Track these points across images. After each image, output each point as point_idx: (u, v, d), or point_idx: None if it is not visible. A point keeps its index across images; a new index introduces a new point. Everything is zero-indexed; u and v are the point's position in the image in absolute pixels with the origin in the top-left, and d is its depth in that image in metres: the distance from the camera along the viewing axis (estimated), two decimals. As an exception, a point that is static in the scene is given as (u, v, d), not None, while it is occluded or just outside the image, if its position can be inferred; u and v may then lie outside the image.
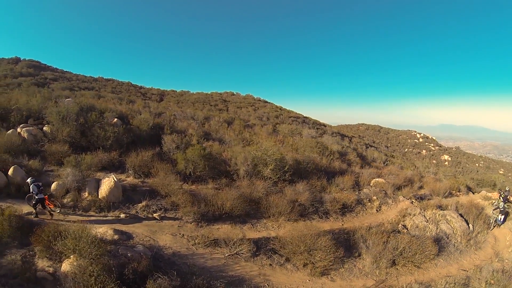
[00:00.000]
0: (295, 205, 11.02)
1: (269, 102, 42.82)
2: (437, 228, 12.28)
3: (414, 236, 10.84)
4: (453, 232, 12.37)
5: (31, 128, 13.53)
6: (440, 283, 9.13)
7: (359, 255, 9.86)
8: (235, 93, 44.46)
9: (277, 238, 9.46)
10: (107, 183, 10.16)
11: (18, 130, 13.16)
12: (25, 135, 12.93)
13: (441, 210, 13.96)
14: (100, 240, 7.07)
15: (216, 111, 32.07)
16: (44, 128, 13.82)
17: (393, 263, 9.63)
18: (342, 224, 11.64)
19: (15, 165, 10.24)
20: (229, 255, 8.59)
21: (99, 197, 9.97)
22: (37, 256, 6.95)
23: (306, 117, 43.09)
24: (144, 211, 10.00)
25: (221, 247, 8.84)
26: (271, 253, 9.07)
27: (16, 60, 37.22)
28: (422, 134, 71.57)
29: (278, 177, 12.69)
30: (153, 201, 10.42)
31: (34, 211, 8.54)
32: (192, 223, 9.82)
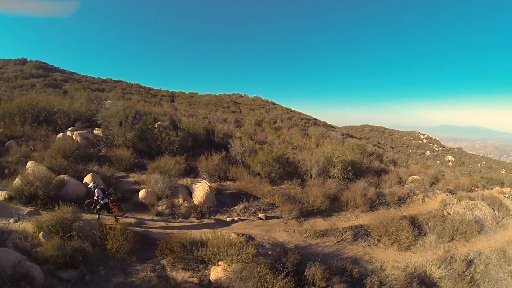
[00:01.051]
0: (368, 198, 15.08)
1: (278, 104, 47.02)
2: (472, 214, 17.06)
3: (460, 219, 15.52)
4: (485, 217, 17.24)
5: (83, 131, 14.16)
6: (487, 251, 13.75)
7: (425, 234, 14.09)
8: (243, 95, 48.22)
9: (366, 224, 13.29)
10: (201, 188, 11.43)
11: (68, 133, 13.68)
12: (78, 139, 13.39)
13: (472, 200, 19.05)
14: (246, 244, 7.94)
15: (230, 113, 35.39)
16: (95, 131, 14.65)
17: (451, 238, 14.09)
18: (401, 213, 15.87)
19: (92, 173, 10.55)
20: (337, 241, 11.76)
21: (195, 203, 11.08)
22: (168, 269, 7.21)
23: (315, 119, 47.76)
24: (245, 213, 11.82)
25: (327, 236, 11.88)
26: (366, 236, 12.80)
27: (23, 61, 38.04)
28: (425, 135, 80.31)
29: (342, 176, 16.72)
30: (248, 203, 12.29)
31: (101, 217, 9.05)
32: (293, 220, 12.21)
